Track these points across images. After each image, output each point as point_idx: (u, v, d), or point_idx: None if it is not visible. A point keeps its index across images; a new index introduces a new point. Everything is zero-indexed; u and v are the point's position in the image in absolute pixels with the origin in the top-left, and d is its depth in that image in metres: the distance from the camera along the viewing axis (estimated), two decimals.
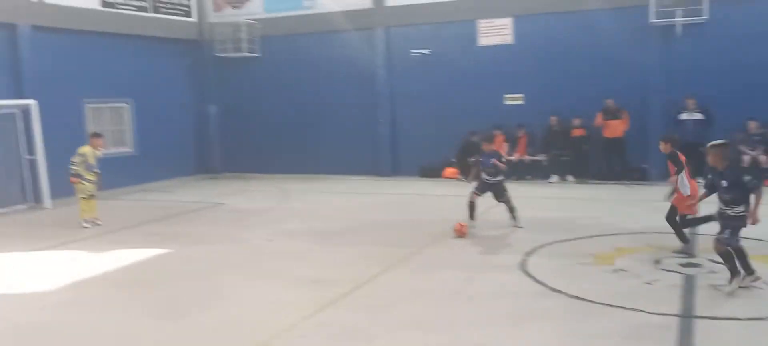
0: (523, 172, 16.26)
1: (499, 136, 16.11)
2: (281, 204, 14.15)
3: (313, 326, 6.31)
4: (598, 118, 15.34)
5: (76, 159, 11.74)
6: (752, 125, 14.08)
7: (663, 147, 8.64)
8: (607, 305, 6.56)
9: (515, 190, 14.55)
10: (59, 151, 14.17)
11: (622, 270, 7.92)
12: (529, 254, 8.79)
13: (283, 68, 18.76)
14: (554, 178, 15.94)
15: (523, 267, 8.17)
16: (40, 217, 13.46)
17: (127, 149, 17.44)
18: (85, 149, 11.90)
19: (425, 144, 17.35)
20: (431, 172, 17.25)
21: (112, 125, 17.17)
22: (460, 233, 10.11)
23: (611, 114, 15.27)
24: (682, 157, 8.46)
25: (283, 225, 11.65)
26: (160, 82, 18.17)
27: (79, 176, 11.71)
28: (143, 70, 17.59)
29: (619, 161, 15.57)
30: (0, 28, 14.18)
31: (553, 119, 15.92)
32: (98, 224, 11.92)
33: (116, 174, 16.42)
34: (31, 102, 14.01)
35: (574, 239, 9.59)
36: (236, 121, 19.53)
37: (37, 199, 14.39)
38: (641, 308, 6.39)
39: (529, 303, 6.83)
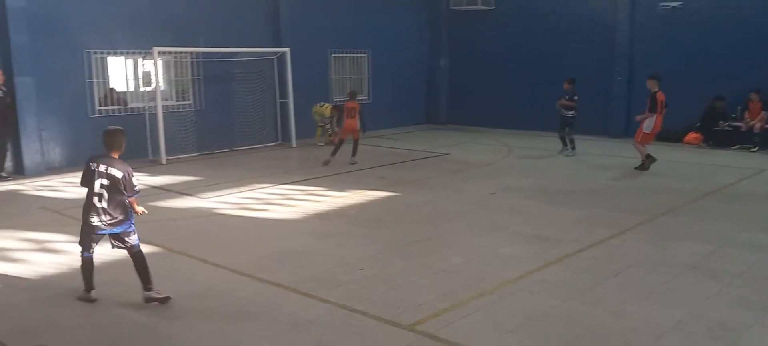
0: None
1: (756, 102, 14.36)
2: (504, 159, 14.15)
3: (536, 282, 6.30)
4: None
5: (319, 110, 15.67)
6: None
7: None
8: None
9: None
10: (305, 97, 15.68)
11: None
12: None
13: (516, 22, 18.54)
14: None
15: None
16: (288, 154, 15.05)
17: (363, 97, 18.64)
18: (327, 111, 15.51)
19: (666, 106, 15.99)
20: (670, 136, 15.89)
21: (351, 74, 18.45)
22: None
23: None
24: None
25: (505, 179, 11.67)
26: (396, 34, 19.08)
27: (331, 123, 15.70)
28: (382, 22, 18.61)
29: None
30: None
31: None
32: (319, 145, 15.61)
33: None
34: (285, 50, 15.57)
35: None
36: (464, 74, 19.79)
37: (286, 138, 16.09)
38: None
39: None
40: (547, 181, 11.49)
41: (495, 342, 4.94)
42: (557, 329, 5.22)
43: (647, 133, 12.07)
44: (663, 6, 16.08)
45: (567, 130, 14.09)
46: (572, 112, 13.89)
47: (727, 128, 14.97)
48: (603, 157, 14.19)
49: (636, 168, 12.24)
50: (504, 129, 18.21)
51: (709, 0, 15.47)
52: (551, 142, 16.22)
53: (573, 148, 14.14)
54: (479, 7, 18.82)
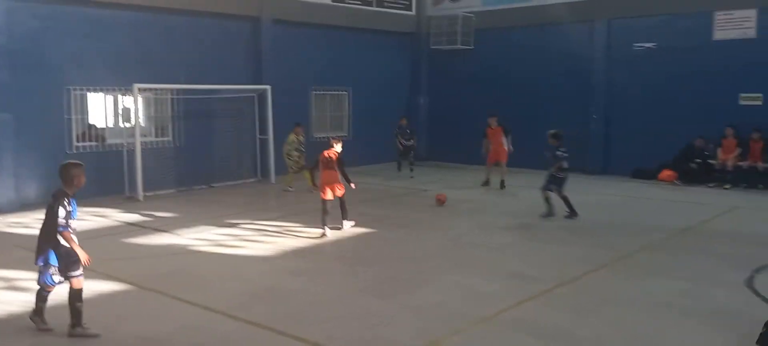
0: (755, 180, 14.57)
1: (730, 138, 14.62)
2: (483, 195, 14.21)
3: (511, 321, 6.29)
4: None
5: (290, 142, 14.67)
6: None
7: None
8: None
9: (745, 200, 13.22)
10: (285, 133, 15.70)
11: None
12: (758, 270, 7.89)
13: (494, 61, 18.85)
14: None
15: (750, 284, 7.35)
16: (267, 190, 14.98)
17: (343, 134, 18.70)
18: (291, 136, 14.59)
19: (641, 144, 16.32)
20: (645, 173, 16.15)
21: (331, 111, 18.56)
22: (440, 201, 12.47)
23: None
24: None
25: (483, 216, 11.71)
26: (376, 72, 19.26)
27: (290, 156, 14.59)
28: (363, 61, 18.80)
29: None
30: (246, 20, 16.01)
31: None
32: (289, 190, 14.49)
33: None
34: (266, 87, 15.64)
35: None
36: (444, 111, 19.98)
37: (265, 174, 16.05)
38: None
39: (754, 326, 6.11)
40: (525, 218, 11.53)
41: None
42: None
43: None
44: (638, 47, 16.44)
45: (410, 156, 17.15)
46: (410, 142, 17.07)
47: (696, 163, 15.23)
48: (581, 194, 14.28)
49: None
50: (483, 166, 18.30)
51: (683, 40, 15.82)
52: (528, 177, 16.33)
53: (411, 170, 17.01)
54: (458, 46, 19.13)
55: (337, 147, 10.37)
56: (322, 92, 18.16)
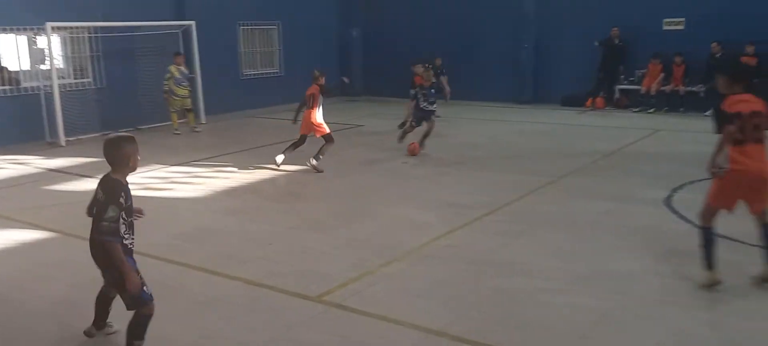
0: (676, 104, 15.17)
1: (656, 64, 15.12)
2: (417, 128, 14.21)
3: (442, 247, 6.41)
4: None
5: (166, 77, 13.83)
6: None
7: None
8: (760, 246, 6.03)
9: (667, 122, 13.78)
10: (215, 71, 15.19)
11: None
12: (677, 189, 8.28)
13: None
14: (712, 111, 14.59)
15: (668, 203, 7.72)
16: (195, 130, 14.55)
17: (275, 70, 18.31)
18: (171, 68, 13.79)
19: (570, 72, 16.64)
20: (574, 101, 16.56)
21: (261, 47, 18.04)
22: (412, 152, 10.96)
23: None
24: None
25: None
26: (307, 5, 18.73)
27: (170, 92, 13.85)
28: None
29: None
30: None
31: (715, 46, 14.53)
32: (197, 132, 14.19)
33: (266, 93, 17.40)
34: (191, 23, 15.01)
35: None
36: (377, 44, 19.76)
37: (194, 114, 15.54)
38: None
39: (673, 240, 6.47)
40: (459, 149, 11.67)
41: (401, 308, 4.99)
42: (464, 291, 5.34)
43: None
44: None
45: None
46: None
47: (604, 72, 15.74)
48: (513, 123, 14.58)
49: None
50: None
51: None
52: (463, 109, 16.51)
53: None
54: None
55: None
56: (250, 26, 17.60)
